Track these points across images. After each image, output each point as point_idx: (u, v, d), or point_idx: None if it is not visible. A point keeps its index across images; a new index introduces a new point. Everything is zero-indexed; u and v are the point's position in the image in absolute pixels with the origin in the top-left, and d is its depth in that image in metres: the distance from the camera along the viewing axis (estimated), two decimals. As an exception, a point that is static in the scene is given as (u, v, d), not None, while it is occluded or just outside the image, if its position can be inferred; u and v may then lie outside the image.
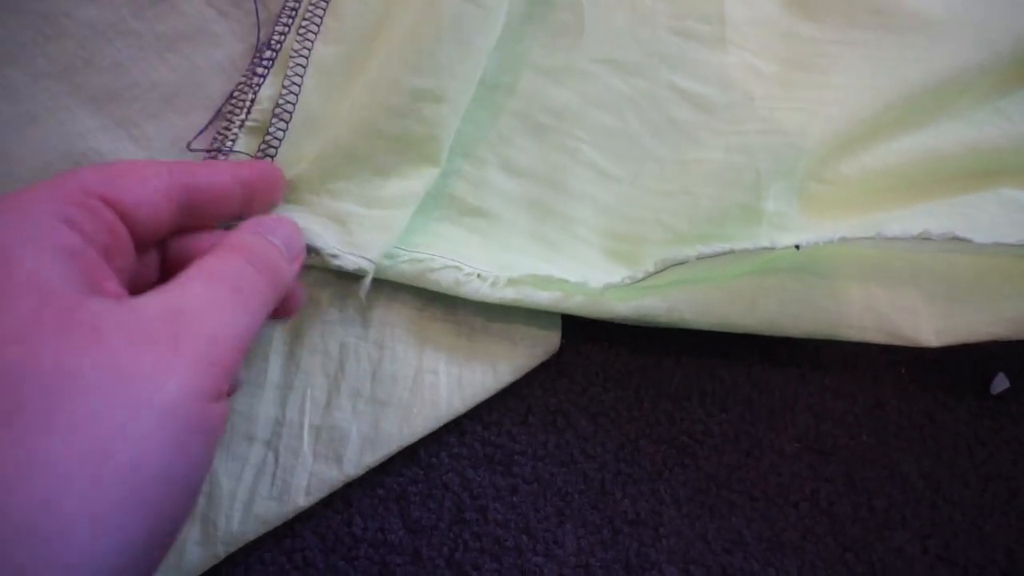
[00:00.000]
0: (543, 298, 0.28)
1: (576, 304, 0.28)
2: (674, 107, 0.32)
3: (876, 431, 0.31)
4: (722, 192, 0.30)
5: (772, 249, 0.27)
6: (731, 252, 0.27)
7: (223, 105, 0.31)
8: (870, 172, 0.30)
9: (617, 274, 0.30)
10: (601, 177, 0.31)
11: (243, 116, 0.30)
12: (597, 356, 0.31)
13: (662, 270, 0.27)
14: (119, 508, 0.17)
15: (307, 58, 0.30)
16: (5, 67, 0.30)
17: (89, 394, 0.17)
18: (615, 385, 0.31)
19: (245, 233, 0.24)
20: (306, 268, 0.30)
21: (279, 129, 0.30)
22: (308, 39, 0.30)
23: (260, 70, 0.30)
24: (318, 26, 0.30)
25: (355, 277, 0.29)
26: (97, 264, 0.20)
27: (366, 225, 0.28)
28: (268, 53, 0.30)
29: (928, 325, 0.28)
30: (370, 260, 0.28)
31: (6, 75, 0.30)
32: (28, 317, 0.17)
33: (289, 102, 0.30)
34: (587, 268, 0.30)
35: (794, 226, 0.31)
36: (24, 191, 0.20)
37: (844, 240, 0.26)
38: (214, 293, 0.20)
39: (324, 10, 0.31)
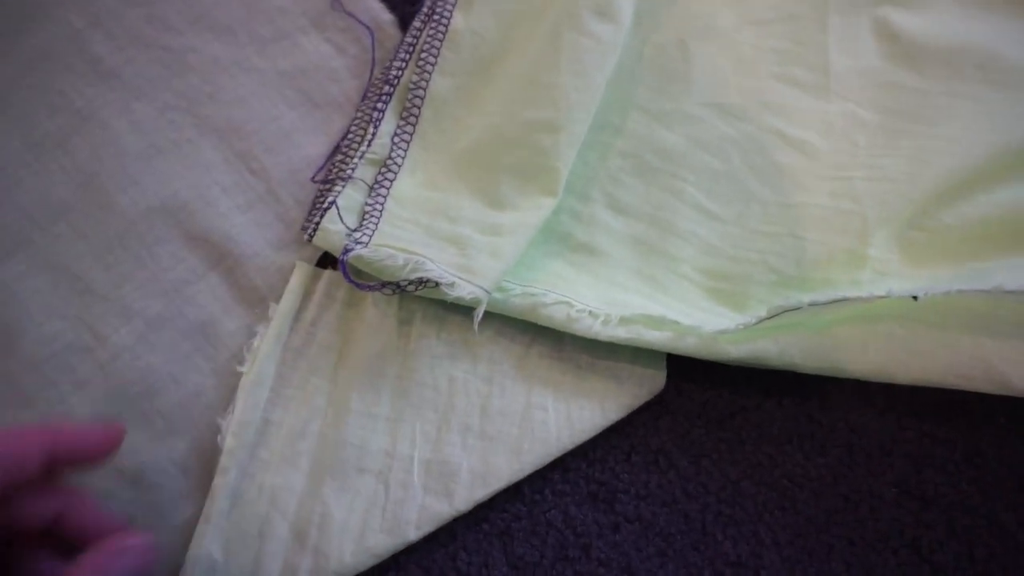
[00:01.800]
0: (655, 338, 0.29)
1: (689, 345, 0.29)
2: (778, 151, 0.32)
3: (976, 479, 0.31)
4: (828, 236, 0.31)
5: (886, 298, 0.27)
6: (844, 300, 0.27)
7: (341, 139, 0.32)
8: (970, 221, 0.31)
9: (720, 313, 0.31)
10: (706, 217, 0.32)
11: (364, 148, 0.31)
12: (699, 396, 0.32)
13: (775, 315, 0.28)
14: None
15: (425, 90, 0.31)
16: (133, 101, 0.31)
17: None
18: (717, 426, 0.31)
19: (102, 558, 0.23)
20: (415, 300, 0.31)
21: (398, 157, 0.30)
22: (427, 71, 0.31)
23: (380, 104, 0.31)
24: (436, 58, 0.31)
25: (463, 312, 0.30)
26: None
27: (482, 250, 0.29)
28: (387, 88, 0.31)
29: (1035, 377, 0.28)
30: (485, 289, 0.28)
31: (134, 109, 0.31)
32: None
33: (407, 132, 0.31)
34: (691, 308, 0.31)
35: (896, 272, 0.31)
36: None
37: (961, 292, 0.26)
38: None
39: (441, 42, 0.32)
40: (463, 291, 0.28)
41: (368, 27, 0.33)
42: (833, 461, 0.31)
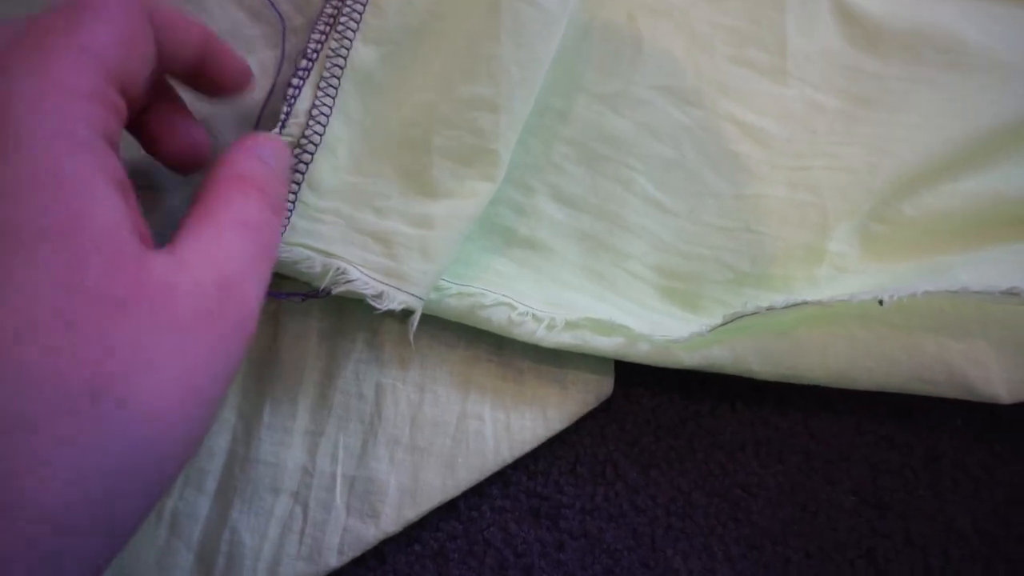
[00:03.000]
0: (604, 344, 0.26)
1: (640, 352, 0.26)
2: (733, 139, 0.30)
3: (932, 484, 0.30)
4: (786, 231, 0.29)
5: (848, 302, 0.25)
6: (804, 304, 0.25)
7: (258, 120, 0.28)
8: (933, 213, 0.29)
9: (672, 314, 0.29)
10: (656, 210, 0.29)
11: (277, 130, 0.27)
12: (648, 402, 0.29)
13: (730, 322, 0.26)
14: None
15: (345, 58, 0.28)
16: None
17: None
18: (667, 433, 0.29)
19: (253, 161, 0.22)
20: (337, 299, 0.27)
21: (311, 142, 0.27)
22: (347, 37, 0.28)
23: (295, 80, 0.28)
24: (357, 23, 0.28)
25: (392, 311, 0.27)
26: (132, 198, 0.19)
27: (411, 247, 0.26)
28: (304, 63, 0.28)
29: (999, 378, 0.27)
30: (419, 296, 0.25)
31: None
32: (98, 285, 0.16)
33: (326, 105, 0.27)
34: (642, 308, 0.29)
35: (854, 268, 0.29)
36: (39, 63, 0.17)
37: (928, 294, 0.25)
38: (249, 253, 0.20)
39: (364, 7, 0.28)
40: (393, 301, 0.25)
41: (280, 16, 0.29)
42: (790, 468, 0.29)
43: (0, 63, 0.17)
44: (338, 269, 0.25)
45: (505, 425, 0.27)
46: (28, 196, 0.16)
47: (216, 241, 0.19)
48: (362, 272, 0.25)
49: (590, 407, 0.28)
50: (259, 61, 0.29)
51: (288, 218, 0.26)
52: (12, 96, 0.17)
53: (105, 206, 0.17)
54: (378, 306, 0.25)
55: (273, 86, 0.29)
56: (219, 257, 0.19)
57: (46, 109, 0.17)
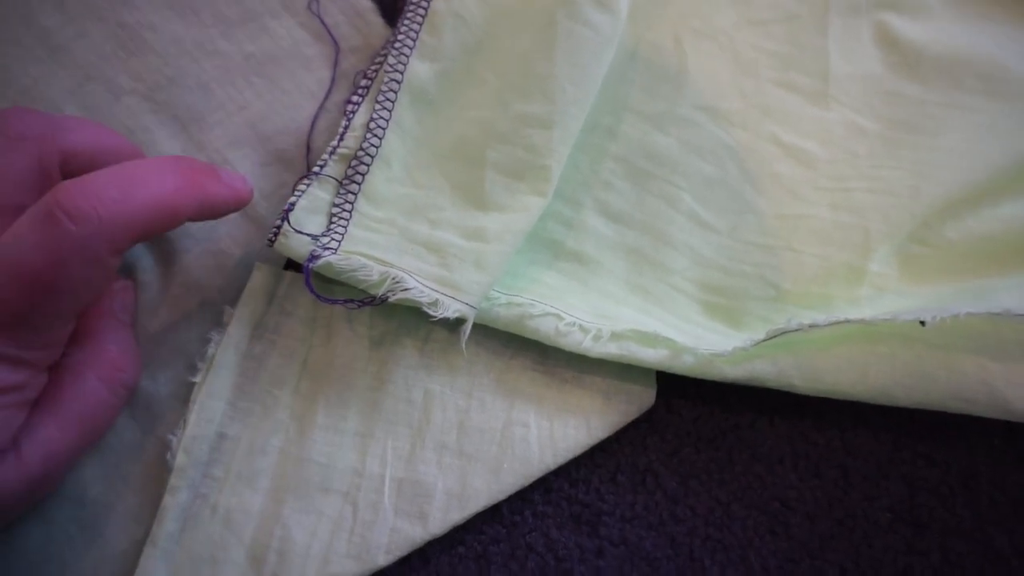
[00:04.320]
0: (649, 356, 0.27)
1: (684, 364, 0.27)
2: (775, 160, 0.31)
3: (970, 503, 0.30)
4: (828, 251, 0.29)
5: (892, 322, 0.25)
6: (847, 322, 0.26)
7: (309, 133, 0.30)
8: (974, 237, 0.30)
9: (715, 329, 0.29)
10: (699, 227, 0.30)
11: (335, 143, 0.28)
12: (689, 414, 0.30)
13: (773, 337, 0.26)
14: None
15: (402, 74, 0.29)
16: (86, 82, 0.28)
17: None
18: (707, 445, 0.30)
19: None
20: (389, 306, 0.28)
21: (367, 154, 0.28)
22: (404, 54, 0.29)
23: (355, 97, 0.29)
24: (414, 42, 0.29)
25: (441, 319, 0.28)
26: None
27: (465, 259, 0.27)
28: (363, 82, 0.29)
29: (1039, 400, 0.27)
30: (471, 306, 0.26)
31: (87, 90, 0.28)
32: None
33: (382, 118, 0.28)
34: (685, 322, 0.29)
35: (894, 288, 0.30)
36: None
37: (970, 315, 0.25)
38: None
39: (420, 26, 0.29)
40: (447, 310, 0.25)
41: (335, 40, 0.30)
42: (827, 483, 0.30)
43: None
44: (394, 278, 0.26)
45: (549, 433, 0.28)
46: None
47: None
48: (418, 281, 0.26)
49: (632, 417, 0.29)
50: (317, 79, 0.31)
51: (345, 228, 0.27)
52: None
53: None
54: (433, 314, 0.26)
55: (322, 105, 0.30)
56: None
57: None
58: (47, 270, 0.21)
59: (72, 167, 0.24)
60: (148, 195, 0.22)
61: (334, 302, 0.27)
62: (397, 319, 0.29)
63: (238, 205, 0.26)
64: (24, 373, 0.22)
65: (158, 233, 0.24)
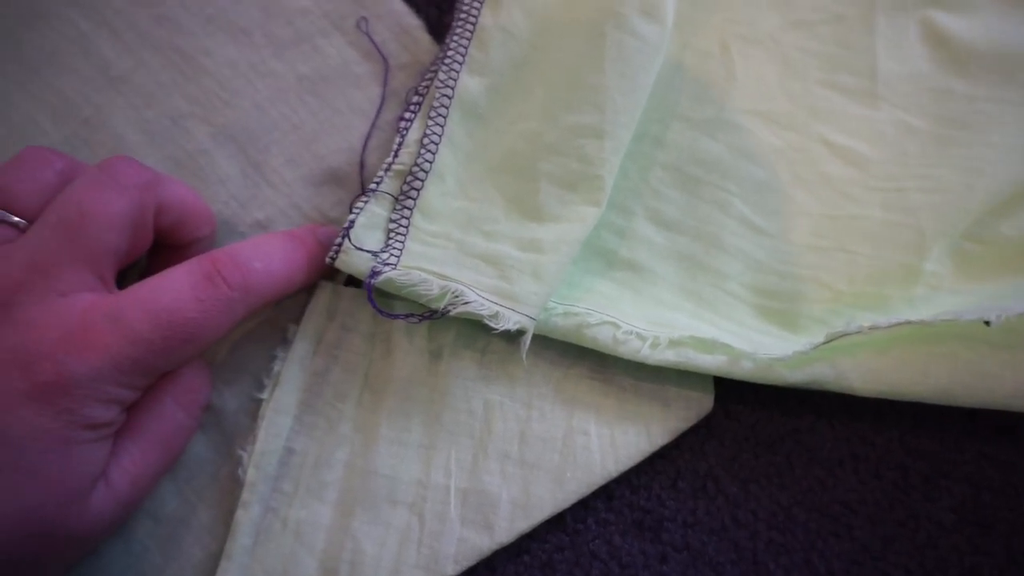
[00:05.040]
0: (707, 362, 0.27)
1: (743, 370, 0.27)
2: (825, 161, 0.31)
3: (1035, 503, 0.30)
4: (882, 251, 0.29)
5: (954, 322, 0.25)
6: (907, 323, 0.26)
7: (363, 151, 0.30)
8: (1030, 233, 0.29)
9: (770, 332, 0.29)
10: (751, 231, 0.30)
11: (390, 159, 0.29)
12: (747, 419, 0.30)
13: (833, 340, 0.26)
14: None
15: (453, 88, 0.29)
16: (145, 108, 0.29)
17: None
18: (766, 449, 0.30)
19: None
20: (447, 319, 0.29)
21: (421, 169, 0.28)
22: (454, 69, 0.29)
23: (407, 114, 0.29)
24: (463, 57, 0.30)
25: (501, 332, 0.28)
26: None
27: (523, 270, 0.27)
28: (415, 99, 0.30)
29: (1104, 397, 0.27)
30: (531, 317, 0.26)
31: (146, 117, 0.29)
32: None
33: (435, 134, 0.29)
34: (741, 327, 0.29)
35: (948, 287, 0.30)
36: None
37: (1037, 312, 0.25)
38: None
39: (469, 41, 0.30)
40: (508, 322, 0.26)
41: (384, 58, 0.31)
42: (888, 485, 0.30)
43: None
44: (455, 292, 0.26)
45: (610, 440, 0.28)
46: None
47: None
48: (478, 294, 0.26)
49: (691, 423, 0.29)
50: (367, 96, 0.31)
51: (403, 243, 0.28)
52: None
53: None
54: (494, 326, 0.26)
55: (373, 123, 0.31)
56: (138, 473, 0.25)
57: None
58: (199, 322, 0.24)
59: (162, 219, 0.26)
60: (283, 268, 0.26)
61: (395, 317, 0.27)
62: (455, 331, 0.29)
63: None
64: (119, 409, 0.24)
65: (283, 299, 0.28)
